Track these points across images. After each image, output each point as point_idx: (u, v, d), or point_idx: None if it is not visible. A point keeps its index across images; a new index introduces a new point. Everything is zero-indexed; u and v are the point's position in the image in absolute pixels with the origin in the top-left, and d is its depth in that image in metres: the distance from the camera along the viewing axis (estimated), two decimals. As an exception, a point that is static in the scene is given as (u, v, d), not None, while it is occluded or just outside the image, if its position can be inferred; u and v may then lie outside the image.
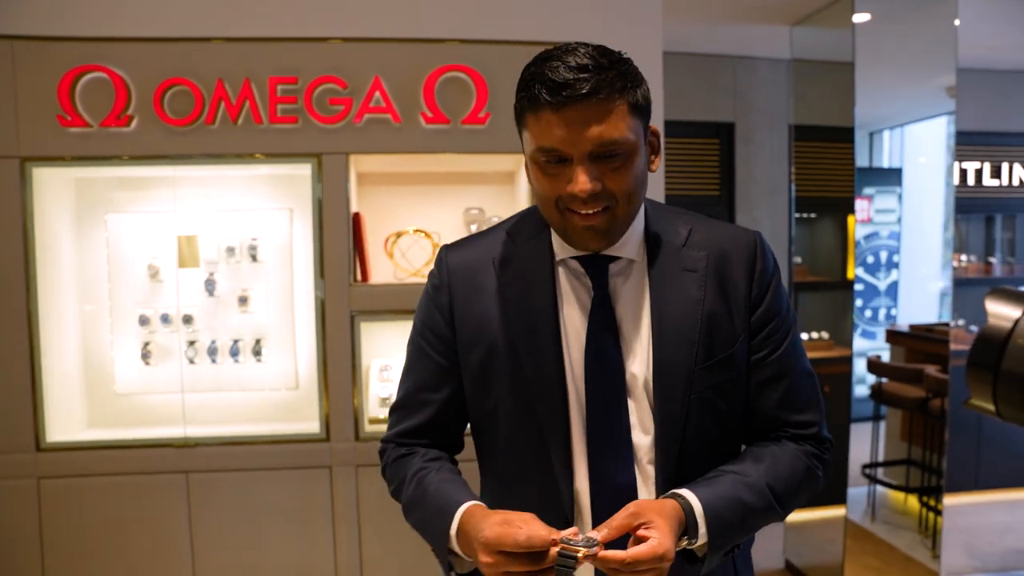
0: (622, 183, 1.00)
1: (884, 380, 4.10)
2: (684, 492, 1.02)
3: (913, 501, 4.04)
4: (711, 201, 4.15)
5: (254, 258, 2.64)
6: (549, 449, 1.08)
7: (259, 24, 2.40)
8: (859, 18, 3.25)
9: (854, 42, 3.15)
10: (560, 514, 1.08)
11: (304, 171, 2.48)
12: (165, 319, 2.61)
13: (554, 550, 0.90)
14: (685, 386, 1.05)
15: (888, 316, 6.43)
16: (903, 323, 5.93)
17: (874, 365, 4.11)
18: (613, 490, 1.08)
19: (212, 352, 2.62)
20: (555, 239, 1.12)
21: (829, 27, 3.41)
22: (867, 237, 6.28)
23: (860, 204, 6.02)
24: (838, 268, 4.06)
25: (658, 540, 0.91)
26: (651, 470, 1.08)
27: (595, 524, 1.06)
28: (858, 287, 5.99)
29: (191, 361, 2.62)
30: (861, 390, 5.40)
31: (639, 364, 1.08)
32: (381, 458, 1.23)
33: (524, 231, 1.15)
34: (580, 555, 0.89)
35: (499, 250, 1.14)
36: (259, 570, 2.50)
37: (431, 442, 1.19)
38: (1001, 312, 2.10)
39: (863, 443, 4.05)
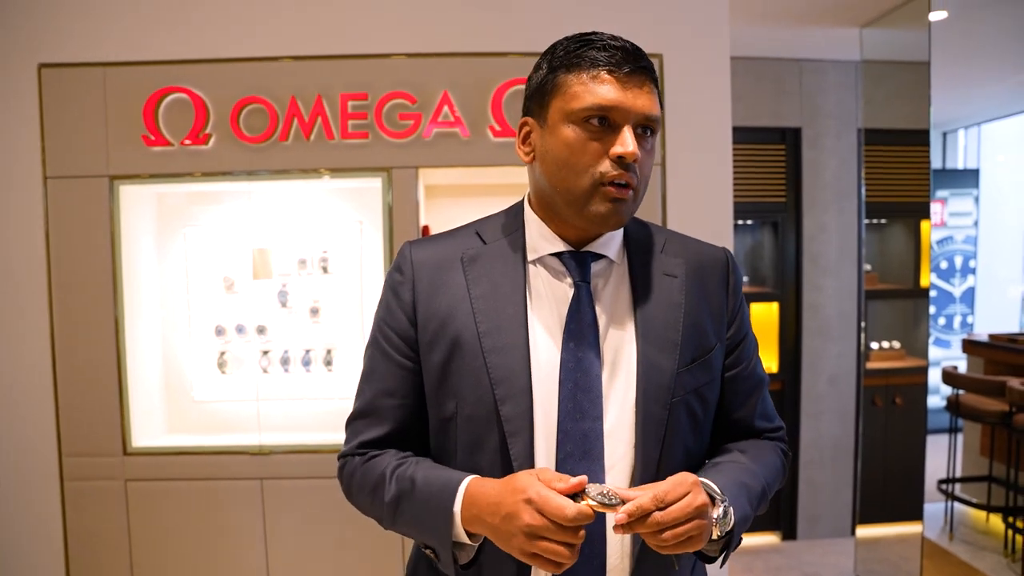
0: (647, 167, 1.02)
1: (960, 392, 3.94)
2: (699, 477, 0.99)
3: (996, 521, 3.86)
4: (777, 207, 4.07)
5: (325, 270, 2.70)
6: (511, 453, 0.99)
7: (330, 42, 2.46)
8: (936, 16, 3.14)
9: (930, 41, 3.05)
10: None
11: (374, 184, 2.53)
12: (240, 330, 2.70)
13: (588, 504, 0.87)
14: (669, 389, 1.02)
15: (964, 324, 6.17)
16: (980, 331, 5.69)
17: (951, 377, 3.95)
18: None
19: (285, 362, 2.69)
20: (531, 236, 1.08)
21: (902, 27, 3.30)
22: (940, 242, 6.04)
23: (933, 207, 5.81)
24: (910, 275, 3.93)
25: (692, 494, 0.90)
26: (622, 477, 1.02)
27: None
28: (931, 294, 5.77)
29: (264, 370, 2.70)
30: (934, 400, 5.20)
31: (621, 365, 1.03)
32: (340, 475, 1.13)
33: (494, 230, 1.11)
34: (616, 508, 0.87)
35: (467, 247, 1.09)
36: (330, 576, 2.56)
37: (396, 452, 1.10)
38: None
39: (938, 457, 3.89)
